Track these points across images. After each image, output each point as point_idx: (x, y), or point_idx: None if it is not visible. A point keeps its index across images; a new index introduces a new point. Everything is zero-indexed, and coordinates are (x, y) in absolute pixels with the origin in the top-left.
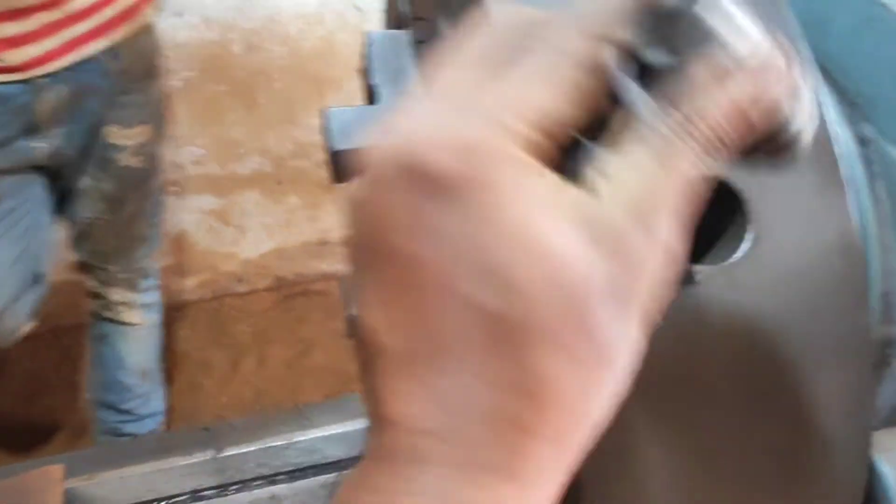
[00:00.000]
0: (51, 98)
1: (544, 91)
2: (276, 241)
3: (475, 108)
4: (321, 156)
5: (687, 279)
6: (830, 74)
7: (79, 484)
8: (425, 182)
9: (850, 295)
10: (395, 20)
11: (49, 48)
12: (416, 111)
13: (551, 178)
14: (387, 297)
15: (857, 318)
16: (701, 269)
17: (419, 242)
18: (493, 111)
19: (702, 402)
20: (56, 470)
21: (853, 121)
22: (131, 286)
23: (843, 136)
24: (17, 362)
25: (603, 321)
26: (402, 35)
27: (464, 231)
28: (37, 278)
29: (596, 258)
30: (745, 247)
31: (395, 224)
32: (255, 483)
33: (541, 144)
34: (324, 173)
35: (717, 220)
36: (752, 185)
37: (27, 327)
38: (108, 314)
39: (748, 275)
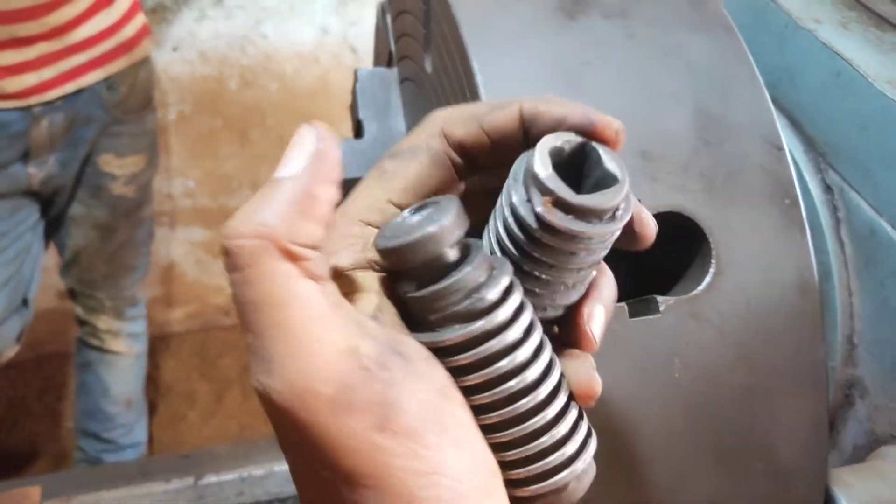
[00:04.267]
0: (47, 126)
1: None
2: None
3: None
4: None
5: (652, 309)
6: (799, 125)
7: None
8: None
9: (806, 331)
10: (383, 58)
11: (46, 77)
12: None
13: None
14: None
15: (813, 353)
16: (665, 300)
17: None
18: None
19: (657, 429)
20: (33, 492)
21: (820, 169)
22: (118, 314)
23: (809, 183)
24: (0, 389)
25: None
26: (389, 73)
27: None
28: (25, 302)
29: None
30: (707, 280)
31: None
32: None
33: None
34: None
35: (683, 254)
36: (716, 222)
37: (12, 351)
38: (94, 342)
39: (709, 306)
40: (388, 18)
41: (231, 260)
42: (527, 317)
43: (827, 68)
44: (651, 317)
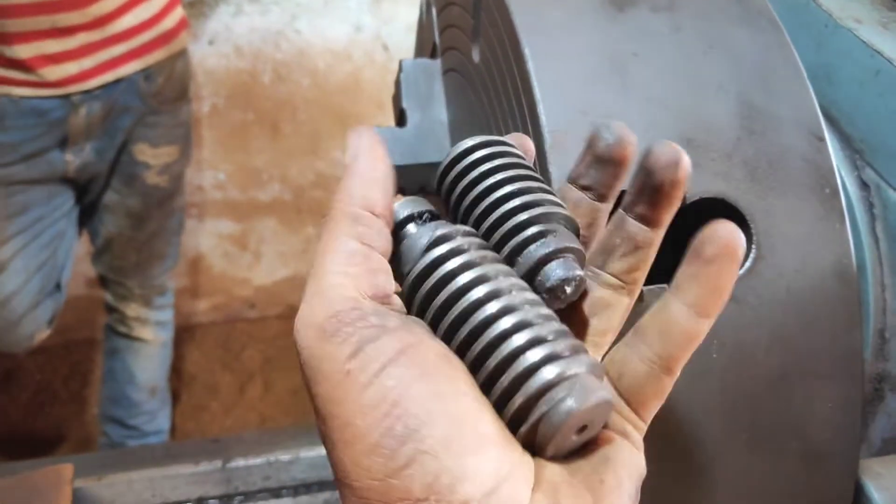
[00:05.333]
0: (85, 114)
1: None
2: (291, 270)
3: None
4: None
5: None
6: (836, 122)
7: (87, 484)
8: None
9: (843, 317)
10: (426, 50)
11: (86, 67)
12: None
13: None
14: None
15: (849, 339)
16: None
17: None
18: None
19: (693, 406)
20: (66, 469)
21: (856, 166)
22: (147, 302)
23: (845, 180)
24: (28, 373)
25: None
26: (433, 64)
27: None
28: (58, 287)
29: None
30: (747, 264)
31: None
32: (259, 495)
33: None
34: None
35: None
36: (758, 209)
37: (45, 334)
38: (122, 329)
39: (748, 289)
40: (434, 11)
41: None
42: (467, 256)
43: (866, 66)
44: None
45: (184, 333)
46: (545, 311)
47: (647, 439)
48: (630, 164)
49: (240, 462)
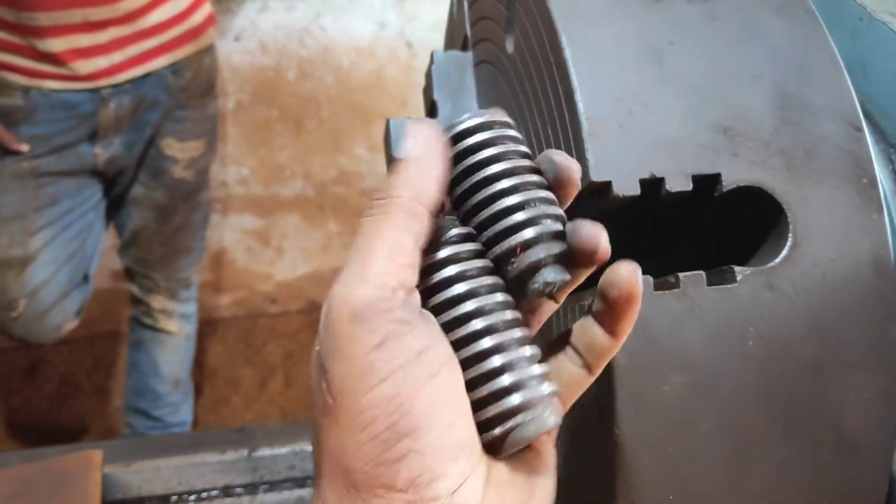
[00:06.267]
0: (114, 108)
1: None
2: (313, 265)
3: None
4: (363, 184)
5: (728, 278)
6: (870, 115)
7: (116, 470)
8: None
9: (880, 307)
10: (456, 43)
11: (116, 61)
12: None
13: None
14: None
15: (886, 329)
16: (741, 270)
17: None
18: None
19: (729, 393)
20: (95, 455)
21: (891, 160)
22: (172, 295)
23: (879, 174)
24: (52, 365)
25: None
26: (464, 56)
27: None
28: (86, 278)
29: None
30: (783, 253)
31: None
32: (284, 485)
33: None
34: (364, 202)
35: (761, 227)
36: (794, 197)
37: (72, 325)
38: (147, 321)
39: (784, 278)
40: (465, 4)
41: (370, 209)
42: (467, 265)
43: None
44: (728, 286)
45: (206, 328)
46: (521, 333)
47: (684, 424)
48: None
49: (265, 451)
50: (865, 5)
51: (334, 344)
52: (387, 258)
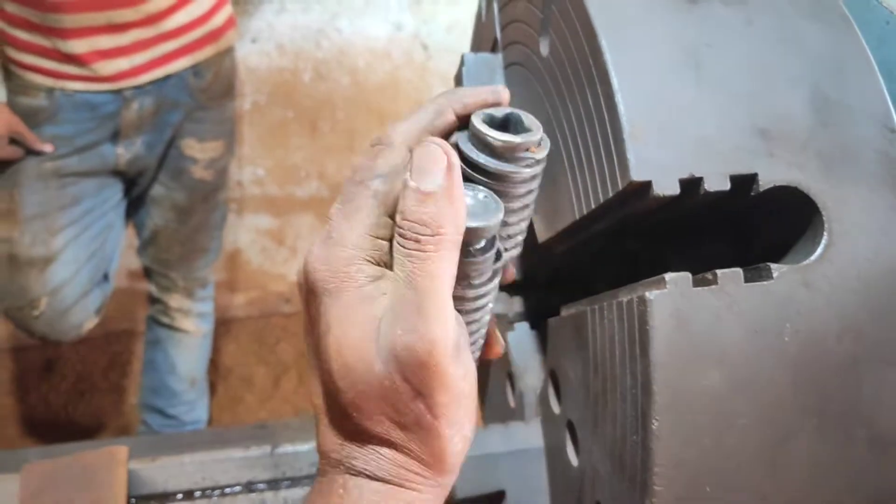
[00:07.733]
0: (136, 108)
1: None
2: None
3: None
4: None
5: (765, 275)
6: None
7: (140, 466)
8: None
9: None
10: (484, 45)
11: (138, 62)
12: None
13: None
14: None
15: None
16: (778, 268)
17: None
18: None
19: (765, 388)
20: (121, 450)
21: None
22: (189, 294)
23: None
24: (69, 363)
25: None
26: (494, 58)
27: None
28: (106, 277)
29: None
30: (819, 250)
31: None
32: (306, 480)
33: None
34: None
35: (797, 225)
36: (830, 197)
37: (92, 323)
38: (164, 319)
39: (820, 276)
40: (495, 7)
41: (419, 243)
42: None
43: None
44: (764, 283)
45: (220, 327)
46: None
47: (720, 417)
48: None
49: (287, 448)
50: (892, 9)
51: (441, 380)
52: (450, 295)
